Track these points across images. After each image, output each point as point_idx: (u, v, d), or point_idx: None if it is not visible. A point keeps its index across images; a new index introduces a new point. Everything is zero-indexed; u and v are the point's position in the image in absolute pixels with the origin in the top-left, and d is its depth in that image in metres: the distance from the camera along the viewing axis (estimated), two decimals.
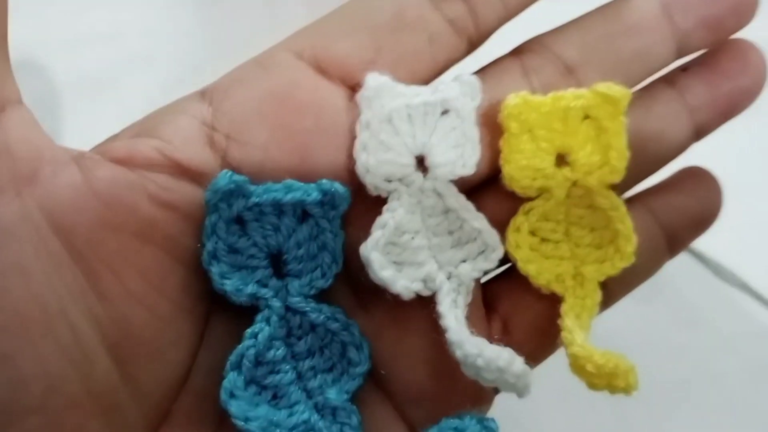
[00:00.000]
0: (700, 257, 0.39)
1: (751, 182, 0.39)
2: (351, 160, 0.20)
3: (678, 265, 0.37)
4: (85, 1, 0.42)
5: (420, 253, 0.20)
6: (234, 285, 0.19)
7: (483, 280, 0.23)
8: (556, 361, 0.36)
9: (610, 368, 0.20)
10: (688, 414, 0.36)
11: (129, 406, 0.18)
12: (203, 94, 0.20)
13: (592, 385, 0.20)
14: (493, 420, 0.19)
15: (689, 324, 0.38)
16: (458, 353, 0.19)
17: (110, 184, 0.18)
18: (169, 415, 0.19)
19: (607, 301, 0.23)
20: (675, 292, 0.38)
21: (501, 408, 0.35)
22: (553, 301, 0.22)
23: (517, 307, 0.22)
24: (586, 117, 0.21)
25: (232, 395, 0.18)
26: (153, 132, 0.19)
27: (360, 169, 0.20)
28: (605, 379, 0.20)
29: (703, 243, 0.36)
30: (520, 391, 0.20)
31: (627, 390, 0.20)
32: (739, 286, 0.38)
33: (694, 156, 0.33)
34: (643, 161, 0.23)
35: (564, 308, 0.21)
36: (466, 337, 0.19)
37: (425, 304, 0.20)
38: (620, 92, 0.21)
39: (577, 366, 0.20)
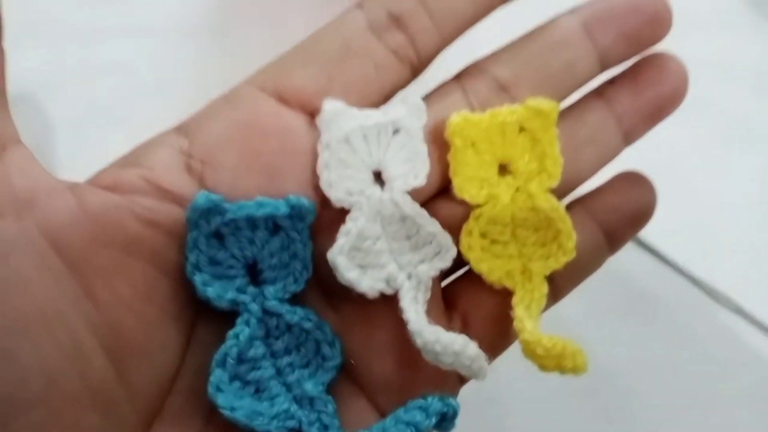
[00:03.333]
0: (695, 281, 0.40)
1: (747, 209, 0.42)
2: (314, 177, 0.23)
3: (674, 288, 0.40)
4: (96, 31, 0.45)
5: (381, 256, 0.23)
6: (215, 292, 0.21)
7: (443, 284, 0.25)
8: (563, 398, 0.37)
9: (557, 350, 0.22)
10: None
11: (124, 404, 0.20)
12: (179, 129, 0.23)
13: (543, 367, 0.22)
14: (454, 398, 0.21)
15: (684, 347, 0.39)
16: (418, 341, 0.21)
17: (100, 206, 0.20)
18: (161, 413, 0.21)
19: (556, 295, 0.25)
20: (670, 315, 0.39)
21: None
22: (506, 295, 0.24)
23: (474, 304, 0.24)
24: (522, 129, 0.24)
25: (218, 389, 0.20)
26: (136, 162, 0.22)
27: (324, 184, 0.22)
28: (554, 360, 0.22)
29: (698, 267, 0.40)
30: (476, 373, 0.22)
31: (576, 370, 0.22)
32: (734, 310, 0.39)
33: (689, 182, 0.33)
34: (578, 167, 0.25)
35: (515, 300, 0.23)
36: (425, 326, 0.21)
37: (389, 302, 0.23)
38: (549, 105, 0.24)
39: (529, 350, 0.22)
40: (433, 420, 0.21)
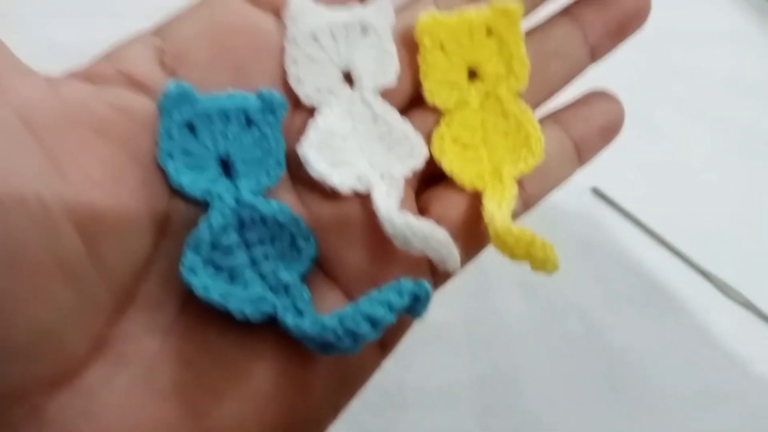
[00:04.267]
0: (707, 275, 0.42)
1: (757, 212, 0.44)
2: (284, 74, 0.23)
3: (685, 283, 0.41)
4: (128, 6, 0.43)
5: (352, 154, 0.23)
6: (189, 179, 0.21)
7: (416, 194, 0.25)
8: (578, 383, 0.38)
9: (527, 238, 0.22)
10: (693, 430, 0.37)
11: (97, 282, 0.19)
12: (154, 30, 0.23)
13: (513, 255, 0.22)
14: (425, 281, 0.21)
15: (694, 341, 0.40)
16: (389, 227, 0.22)
17: (72, 90, 0.21)
18: (135, 299, 0.21)
19: (527, 201, 0.26)
20: (681, 309, 0.41)
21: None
22: (477, 199, 0.24)
23: (446, 207, 0.24)
24: (489, 33, 0.25)
25: (192, 271, 0.20)
26: (110, 56, 0.22)
27: (292, 79, 0.23)
28: (524, 248, 0.22)
29: (710, 262, 0.42)
30: (446, 259, 0.22)
31: (546, 263, 0.22)
32: (744, 305, 0.41)
33: (705, 186, 0.37)
34: (547, 79, 0.26)
35: (484, 198, 0.24)
36: (395, 213, 0.22)
37: (362, 201, 0.23)
38: (513, 4, 0.24)
39: (499, 240, 0.22)
40: (406, 300, 0.20)
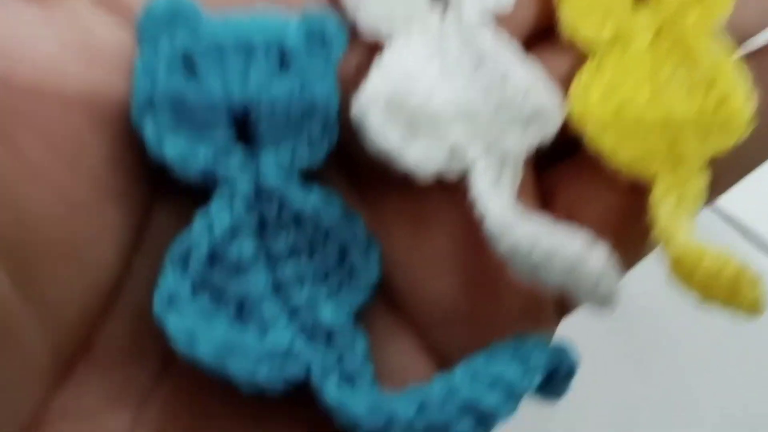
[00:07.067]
0: (728, 220, 0.38)
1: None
2: None
3: (708, 228, 0.38)
4: None
5: (441, 117, 0.15)
6: (179, 149, 0.14)
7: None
8: (587, 323, 0.35)
9: (729, 274, 0.15)
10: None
11: (29, 333, 0.14)
12: None
13: (707, 297, 0.15)
14: (566, 345, 0.15)
15: None
16: (503, 246, 0.14)
17: (9, 26, 0.14)
18: (91, 346, 0.15)
19: (712, 192, 0.18)
20: None
21: None
22: (634, 190, 0.17)
23: (584, 199, 0.17)
24: None
25: (171, 302, 0.13)
26: None
27: (348, 1, 0.15)
28: (725, 288, 0.15)
29: (731, 206, 0.38)
30: (603, 298, 0.14)
31: (753, 307, 0.15)
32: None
33: None
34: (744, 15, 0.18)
35: (657, 194, 0.16)
36: (515, 222, 0.14)
37: (453, 191, 0.16)
38: None
39: (682, 272, 0.15)
40: (536, 378, 0.14)
